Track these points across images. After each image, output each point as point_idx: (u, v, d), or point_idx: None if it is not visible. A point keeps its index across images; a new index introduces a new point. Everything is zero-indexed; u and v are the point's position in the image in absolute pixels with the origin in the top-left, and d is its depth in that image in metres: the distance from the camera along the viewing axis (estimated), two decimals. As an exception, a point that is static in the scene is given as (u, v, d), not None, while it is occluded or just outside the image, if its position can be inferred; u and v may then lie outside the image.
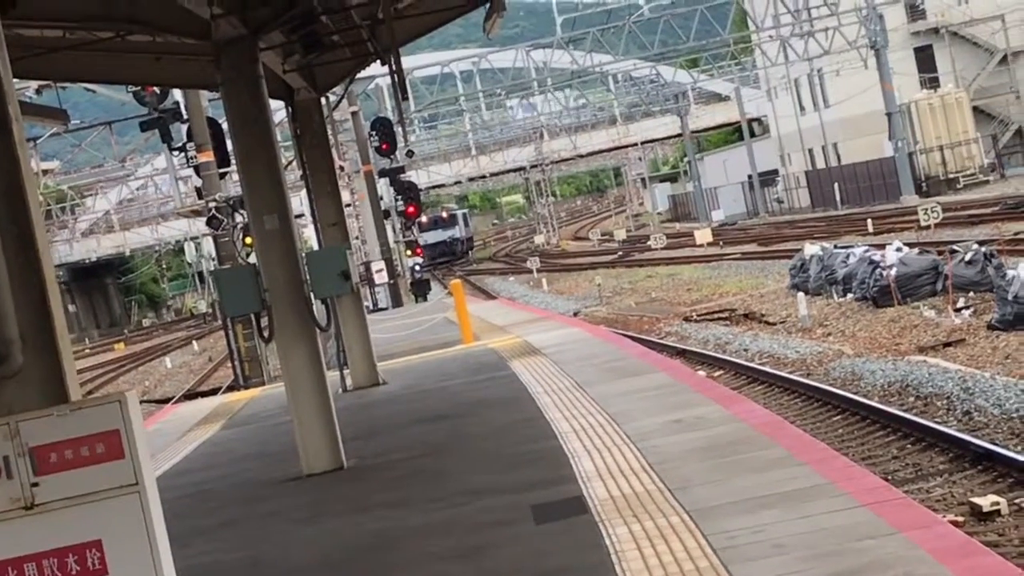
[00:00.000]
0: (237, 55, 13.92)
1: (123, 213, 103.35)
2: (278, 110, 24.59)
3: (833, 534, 8.14)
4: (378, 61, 19.83)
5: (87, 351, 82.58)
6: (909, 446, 15.83)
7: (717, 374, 23.89)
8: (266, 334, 14.99)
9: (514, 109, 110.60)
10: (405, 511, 11.35)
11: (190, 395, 39.58)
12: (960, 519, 12.22)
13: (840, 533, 8.13)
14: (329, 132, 25.82)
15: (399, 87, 15.92)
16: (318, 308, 15.14)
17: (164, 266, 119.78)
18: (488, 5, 18.89)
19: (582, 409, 14.78)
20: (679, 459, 11.13)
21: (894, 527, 8.07)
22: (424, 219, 74.50)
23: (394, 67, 15.63)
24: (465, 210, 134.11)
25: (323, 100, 22.27)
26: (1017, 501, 12.63)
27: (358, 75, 24.28)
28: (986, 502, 12.58)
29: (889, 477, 14.06)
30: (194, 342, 71.44)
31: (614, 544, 8.87)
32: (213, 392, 37.24)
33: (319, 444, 14.16)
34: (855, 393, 19.57)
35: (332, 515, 11.94)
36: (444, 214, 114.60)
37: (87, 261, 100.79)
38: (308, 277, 14.59)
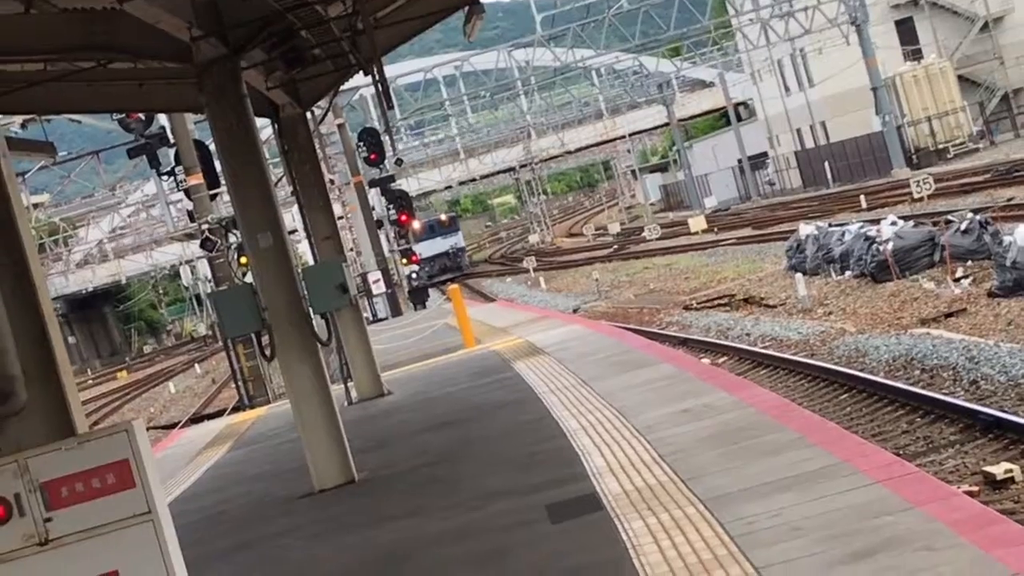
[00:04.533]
0: (219, 75, 13.89)
1: (116, 241, 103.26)
2: (264, 127, 24.59)
3: (850, 513, 8.11)
4: (361, 72, 19.82)
5: (90, 382, 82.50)
6: (919, 419, 15.80)
7: (721, 361, 23.87)
8: (268, 352, 14.96)
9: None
10: (420, 520, 11.33)
11: (196, 419, 39.55)
12: (975, 489, 12.20)
13: (857, 512, 8.10)
14: (316, 146, 25.77)
15: (383, 96, 15.88)
16: (318, 323, 15.11)
17: (161, 291, 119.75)
18: (467, 8, 18.90)
19: (589, 406, 14.75)
20: (690, 449, 11.10)
21: (910, 502, 8.04)
22: (418, 225, 67.25)
23: (377, 77, 15.62)
24: (455, 213, 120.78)
25: (308, 114, 22.24)
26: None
27: (342, 87, 24.25)
28: (999, 470, 12.56)
29: (901, 452, 14.04)
30: (196, 365, 71.40)
31: (631, 538, 8.84)
32: (219, 414, 37.20)
33: (328, 459, 14.13)
34: (861, 370, 19.55)
35: (347, 530, 11.90)
36: (443, 217, 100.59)
37: (84, 292, 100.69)
38: (306, 292, 14.56)
